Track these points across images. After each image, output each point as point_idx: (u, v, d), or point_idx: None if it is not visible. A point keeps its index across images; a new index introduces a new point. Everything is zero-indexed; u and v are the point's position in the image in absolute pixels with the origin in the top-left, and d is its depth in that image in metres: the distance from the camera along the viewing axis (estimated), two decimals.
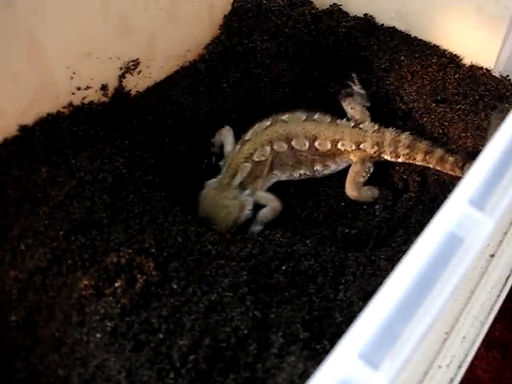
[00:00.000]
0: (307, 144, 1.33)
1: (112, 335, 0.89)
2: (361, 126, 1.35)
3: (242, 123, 1.40)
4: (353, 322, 0.57)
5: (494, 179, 0.64)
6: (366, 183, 1.34)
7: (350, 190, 1.33)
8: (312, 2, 1.58)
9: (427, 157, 1.30)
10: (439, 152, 1.29)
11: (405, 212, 1.24)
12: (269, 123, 1.34)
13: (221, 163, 1.36)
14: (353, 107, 1.42)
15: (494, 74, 1.39)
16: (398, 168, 1.35)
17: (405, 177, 1.33)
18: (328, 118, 1.36)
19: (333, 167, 1.37)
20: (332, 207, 1.32)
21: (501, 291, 1.04)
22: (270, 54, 1.46)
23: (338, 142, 1.33)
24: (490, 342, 1.34)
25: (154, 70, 1.39)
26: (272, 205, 1.32)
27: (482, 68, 1.40)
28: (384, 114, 1.43)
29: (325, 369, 0.54)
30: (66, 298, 0.95)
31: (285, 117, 1.35)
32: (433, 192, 1.27)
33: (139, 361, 0.86)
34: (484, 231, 0.61)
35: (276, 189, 1.36)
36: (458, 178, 1.25)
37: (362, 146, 1.33)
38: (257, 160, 1.32)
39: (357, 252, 1.11)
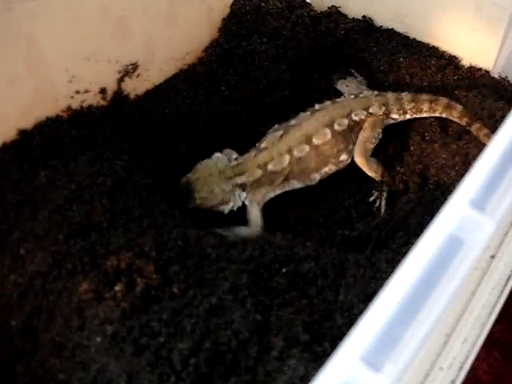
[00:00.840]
0: (328, 132, 1.31)
1: (112, 339, 0.89)
2: (361, 95, 1.38)
3: (242, 126, 1.40)
4: (353, 324, 0.57)
5: (495, 181, 0.64)
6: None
7: (359, 156, 1.35)
8: (310, 4, 1.58)
9: (433, 104, 1.34)
10: (445, 100, 1.33)
11: (405, 213, 1.24)
12: (282, 132, 1.32)
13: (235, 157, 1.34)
14: (347, 85, 1.46)
15: (492, 74, 1.39)
16: (398, 169, 1.35)
17: (405, 178, 1.33)
18: (327, 102, 1.37)
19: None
20: (332, 209, 1.32)
21: (501, 292, 1.04)
22: (269, 57, 1.47)
23: (351, 114, 1.34)
24: (491, 343, 1.34)
25: (153, 73, 1.39)
26: (252, 229, 1.29)
27: (480, 69, 1.41)
28: None
29: (326, 371, 0.54)
30: (66, 302, 0.95)
31: (293, 122, 1.34)
32: (432, 193, 1.27)
33: (140, 365, 0.86)
34: (485, 233, 0.61)
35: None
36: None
37: (370, 109, 1.35)
38: (271, 169, 1.29)
39: (357, 254, 1.11)
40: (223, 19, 1.51)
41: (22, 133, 1.16)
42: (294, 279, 1.02)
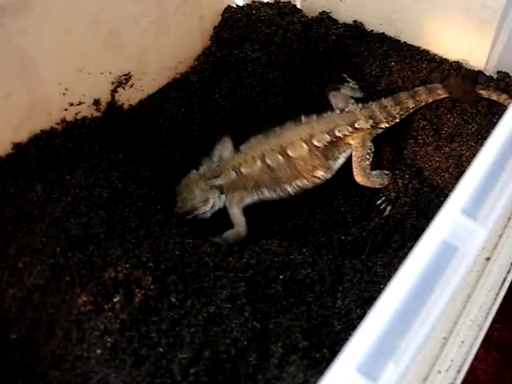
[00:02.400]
0: (304, 146, 1.32)
1: (112, 350, 0.89)
2: (346, 109, 1.39)
3: (236, 133, 1.41)
4: (351, 330, 0.58)
5: (486, 188, 0.65)
6: (373, 167, 1.36)
7: (359, 177, 1.35)
8: (301, 10, 1.58)
9: (416, 97, 1.37)
10: (422, 88, 1.37)
11: (400, 217, 1.25)
12: (261, 136, 1.35)
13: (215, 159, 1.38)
14: (335, 97, 1.46)
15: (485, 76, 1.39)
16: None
17: (399, 182, 1.33)
18: (314, 116, 1.37)
19: (339, 161, 1.38)
20: (327, 214, 1.32)
21: (497, 294, 1.04)
22: (262, 64, 1.47)
23: (334, 130, 1.34)
24: (489, 343, 1.35)
25: (146, 83, 1.39)
26: (237, 230, 1.31)
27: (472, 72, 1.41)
28: None
29: (323, 382, 0.55)
30: (65, 314, 0.95)
31: (277, 129, 1.36)
32: (427, 196, 1.27)
33: (140, 375, 0.86)
34: (477, 240, 0.61)
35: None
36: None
37: (356, 124, 1.35)
38: (243, 171, 1.32)
39: (353, 259, 1.11)
40: (215, 27, 1.51)
41: (17, 146, 1.16)
42: (291, 286, 1.02)
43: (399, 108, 1.37)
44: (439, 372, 0.94)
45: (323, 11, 1.57)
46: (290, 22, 1.50)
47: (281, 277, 1.04)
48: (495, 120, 1.29)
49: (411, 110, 1.38)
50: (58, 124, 1.23)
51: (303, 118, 1.36)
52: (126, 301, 0.94)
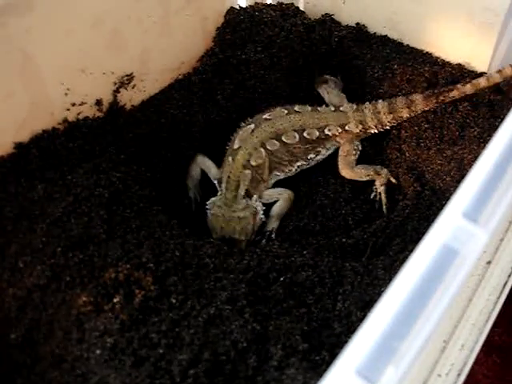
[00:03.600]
0: (297, 136, 1.35)
1: (112, 351, 0.89)
2: (341, 108, 1.41)
3: None
4: (352, 333, 0.57)
5: (487, 191, 0.65)
6: (357, 162, 1.39)
7: (345, 170, 1.38)
8: (304, 12, 1.58)
9: (412, 107, 1.37)
10: (419, 96, 1.36)
11: (401, 220, 1.24)
12: (253, 126, 1.34)
13: (215, 182, 1.36)
14: (329, 92, 1.48)
15: None
16: (393, 176, 1.35)
17: (401, 185, 1.33)
18: (308, 108, 1.40)
19: (324, 152, 1.41)
20: (328, 217, 1.32)
21: (498, 298, 1.04)
22: (264, 65, 1.47)
23: (324, 129, 1.37)
24: (490, 347, 1.34)
25: (149, 84, 1.39)
26: (283, 196, 1.35)
27: (475, 74, 1.40)
28: None
29: None
30: (65, 314, 0.95)
31: (267, 115, 1.36)
32: (429, 199, 1.27)
33: (139, 376, 0.86)
34: (478, 243, 0.61)
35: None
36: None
37: (347, 127, 1.38)
38: (255, 164, 1.32)
39: (354, 261, 1.11)
40: (217, 28, 1.51)
41: (19, 146, 1.16)
42: (291, 288, 1.02)
43: (391, 117, 1.38)
44: (439, 376, 0.94)
45: (326, 13, 1.57)
46: (292, 24, 1.51)
47: (281, 279, 1.04)
48: (497, 123, 1.28)
49: (404, 119, 1.39)
50: (59, 124, 1.23)
51: (297, 107, 1.39)
52: (126, 301, 0.94)
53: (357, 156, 1.39)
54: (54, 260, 1.00)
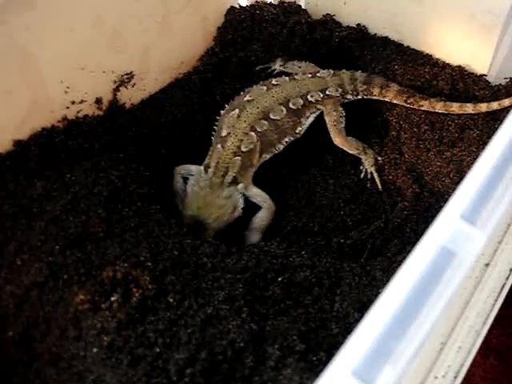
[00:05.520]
0: (284, 109, 1.35)
1: (109, 350, 0.89)
2: (318, 74, 1.43)
3: None
4: (349, 334, 0.57)
5: (486, 194, 0.65)
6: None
7: (338, 139, 1.39)
8: (306, 10, 1.58)
9: (383, 91, 1.41)
10: (394, 86, 1.40)
11: (399, 221, 1.24)
12: (238, 111, 1.33)
13: (202, 168, 1.33)
14: (300, 66, 1.49)
15: (487, 82, 1.39)
16: (392, 177, 1.35)
17: (399, 186, 1.33)
18: (286, 78, 1.41)
19: (309, 120, 1.41)
20: (327, 217, 1.32)
21: (496, 300, 1.04)
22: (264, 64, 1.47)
23: (307, 95, 1.38)
24: (487, 349, 1.34)
25: (149, 83, 1.40)
26: (267, 204, 1.33)
27: (475, 76, 1.40)
28: (378, 124, 1.43)
29: None
30: (62, 312, 0.95)
31: (247, 97, 1.35)
32: (427, 201, 1.27)
33: (136, 375, 0.86)
34: (476, 245, 0.61)
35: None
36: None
37: (327, 91, 1.40)
38: (245, 150, 1.31)
39: (352, 262, 1.11)
40: (218, 28, 1.52)
41: (18, 144, 1.16)
42: (289, 288, 1.02)
43: (365, 87, 1.42)
44: (436, 377, 0.94)
45: (327, 13, 1.57)
46: (293, 23, 1.50)
47: (279, 279, 1.04)
48: (496, 126, 1.29)
49: (374, 97, 1.43)
50: (59, 122, 1.23)
51: (274, 81, 1.39)
52: (124, 300, 0.94)
53: (344, 122, 1.40)
54: (51, 258, 1.00)
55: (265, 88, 1.37)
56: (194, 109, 1.42)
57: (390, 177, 1.36)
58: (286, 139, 1.38)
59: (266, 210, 1.32)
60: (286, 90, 1.37)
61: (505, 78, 1.37)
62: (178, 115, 1.40)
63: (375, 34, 1.54)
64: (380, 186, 1.35)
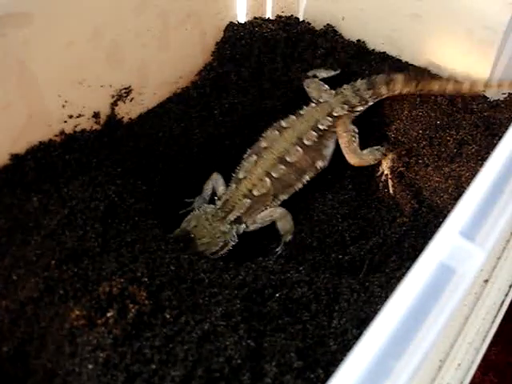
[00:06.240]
0: (299, 149, 1.35)
1: (104, 366, 0.88)
2: (320, 100, 1.43)
3: (235, 149, 1.41)
4: (347, 351, 0.57)
5: (485, 210, 0.65)
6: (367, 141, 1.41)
7: (352, 159, 1.40)
8: (305, 21, 1.59)
9: (391, 86, 1.41)
10: (399, 76, 1.40)
11: (398, 237, 1.24)
12: (256, 157, 1.35)
13: (216, 198, 1.36)
14: (309, 86, 1.48)
15: (485, 97, 1.39)
16: (392, 193, 1.35)
17: (398, 202, 1.33)
18: (293, 117, 1.40)
19: (330, 148, 1.41)
20: (325, 233, 1.32)
21: (495, 317, 1.03)
22: (262, 81, 1.47)
23: (317, 126, 1.38)
24: (487, 366, 1.33)
25: (147, 97, 1.39)
26: (275, 215, 1.35)
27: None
28: (376, 139, 1.43)
29: None
30: (57, 328, 0.94)
31: (264, 144, 1.36)
32: (426, 217, 1.27)
33: None
34: (475, 262, 0.61)
35: None
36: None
37: (334, 113, 1.39)
38: (257, 194, 1.32)
39: (350, 278, 1.11)
40: (216, 43, 1.52)
41: (15, 157, 1.16)
42: (287, 304, 1.02)
43: (371, 92, 1.41)
44: None
45: (326, 26, 1.57)
46: (295, 36, 1.51)
47: (277, 295, 1.03)
48: (495, 141, 1.28)
49: (384, 97, 1.43)
50: (56, 136, 1.23)
51: (283, 123, 1.39)
52: (120, 316, 0.93)
53: (357, 140, 1.40)
54: (47, 273, 0.99)
55: (277, 132, 1.37)
56: (192, 123, 1.42)
57: (389, 192, 1.35)
58: (306, 177, 1.38)
59: (278, 219, 1.35)
60: (296, 128, 1.37)
61: (503, 94, 1.37)
62: (176, 130, 1.40)
63: (373, 50, 1.54)
64: (391, 190, 1.35)
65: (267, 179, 1.33)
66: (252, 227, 1.35)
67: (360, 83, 1.42)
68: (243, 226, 1.33)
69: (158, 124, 1.39)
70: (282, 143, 1.35)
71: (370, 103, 1.43)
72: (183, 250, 1.19)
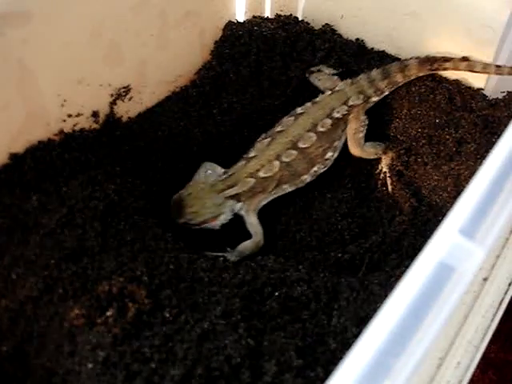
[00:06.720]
0: (313, 135, 1.34)
1: (104, 365, 0.88)
2: (336, 88, 1.42)
3: (234, 148, 1.41)
4: (347, 349, 0.57)
5: (484, 208, 0.65)
6: (366, 139, 1.40)
7: (354, 148, 1.40)
8: (302, 20, 1.58)
9: (406, 72, 1.40)
10: (413, 62, 1.40)
11: (397, 236, 1.24)
12: (269, 139, 1.35)
13: (223, 170, 1.35)
14: (320, 79, 1.48)
15: (484, 96, 1.39)
16: (390, 191, 1.35)
17: (397, 200, 1.33)
18: (308, 104, 1.40)
19: (340, 141, 1.40)
20: (324, 231, 1.32)
21: (494, 315, 1.04)
22: (261, 80, 1.47)
23: (332, 113, 1.37)
24: (486, 364, 1.34)
25: (146, 96, 1.39)
26: (256, 239, 1.31)
27: (472, 90, 1.40)
28: (374, 137, 1.43)
29: None
30: (57, 327, 0.94)
31: (279, 128, 1.36)
32: (425, 215, 1.27)
33: None
34: (475, 260, 0.61)
35: (268, 213, 1.36)
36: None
37: (350, 102, 1.39)
38: (262, 176, 1.31)
39: (350, 277, 1.11)
40: (215, 42, 1.51)
41: (14, 156, 1.15)
42: (286, 303, 1.01)
43: (387, 81, 1.41)
44: None
45: (325, 25, 1.57)
46: (294, 35, 1.51)
47: (276, 293, 1.03)
48: (494, 139, 1.28)
49: (400, 84, 1.42)
50: (55, 135, 1.22)
51: (299, 109, 1.39)
52: (119, 315, 0.93)
53: (364, 132, 1.40)
54: (47, 272, 0.99)
55: (292, 118, 1.37)
56: (191, 122, 1.42)
57: (388, 191, 1.35)
58: (315, 168, 1.37)
59: (253, 242, 1.30)
60: (311, 114, 1.37)
61: (502, 92, 1.37)
62: (175, 129, 1.40)
63: (372, 48, 1.54)
64: (390, 189, 1.35)
65: (277, 162, 1.32)
66: (244, 213, 1.33)
67: (375, 73, 1.42)
68: (239, 205, 1.32)
69: (157, 123, 1.39)
70: (297, 128, 1.35)
71: (386, 93, 1.43)
72: (175, 216, 1.22)
